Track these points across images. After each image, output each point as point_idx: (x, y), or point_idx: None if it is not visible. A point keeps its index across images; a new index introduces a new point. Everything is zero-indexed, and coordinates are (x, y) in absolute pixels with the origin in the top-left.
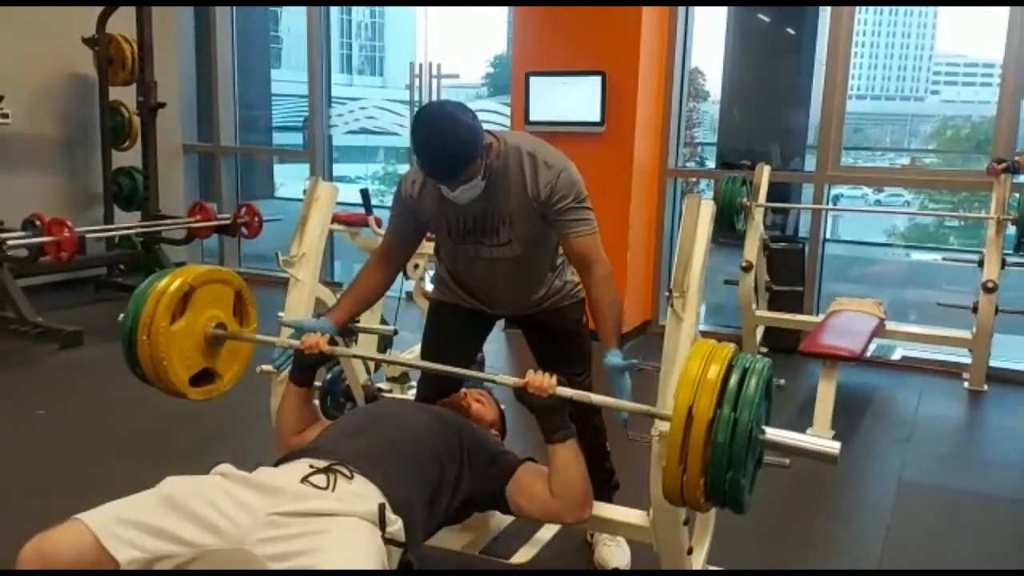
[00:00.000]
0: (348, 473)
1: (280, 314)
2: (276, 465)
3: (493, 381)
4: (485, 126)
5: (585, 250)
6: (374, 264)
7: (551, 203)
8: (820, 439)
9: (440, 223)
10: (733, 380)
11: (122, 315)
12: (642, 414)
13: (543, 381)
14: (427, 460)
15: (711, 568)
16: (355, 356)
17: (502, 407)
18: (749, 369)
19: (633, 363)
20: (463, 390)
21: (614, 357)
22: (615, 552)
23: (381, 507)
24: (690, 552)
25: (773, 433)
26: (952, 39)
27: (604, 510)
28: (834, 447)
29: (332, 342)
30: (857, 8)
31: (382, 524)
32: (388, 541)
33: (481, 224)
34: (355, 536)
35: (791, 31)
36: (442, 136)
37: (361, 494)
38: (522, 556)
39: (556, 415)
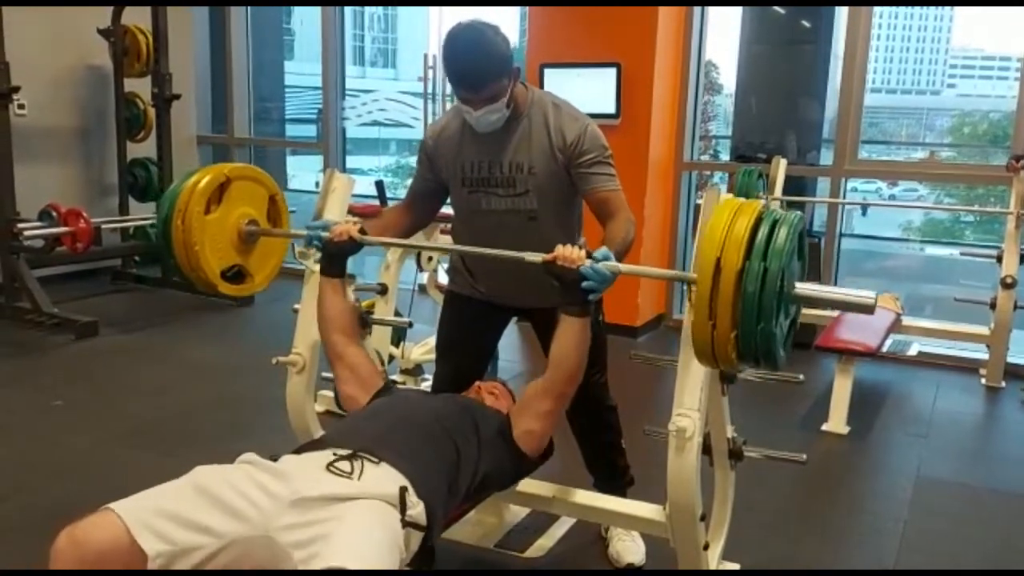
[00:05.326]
0: (375, 460)
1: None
2: (298, 452)
3: (522, 260)
4: None
5: (609, 198)
6: (398, 209)
7: (576, 154)
8: (855, 291)
9: (455, 171)
10: (762, 232)
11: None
12: (668, 278)
13: (572, 252)
14: (443, 440)
15: (727, 566)
16: (383, 243)
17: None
18: (779, 220)
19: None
20: (477, 383)
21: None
22: (630, 547)
23: (402, 490)
24: (706, 547)
25: (805, 287)
26: (969, 32)
27: (620, 505)
28: (870, 296)
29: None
30: None
31: (402, 507)
32: (408, 524)
33: (496, 171)
34: (370, 521)
35: (807, 23)
36: (469, 42)
37: (385, 478)
38: (536, 550)
39: (581, 289)
